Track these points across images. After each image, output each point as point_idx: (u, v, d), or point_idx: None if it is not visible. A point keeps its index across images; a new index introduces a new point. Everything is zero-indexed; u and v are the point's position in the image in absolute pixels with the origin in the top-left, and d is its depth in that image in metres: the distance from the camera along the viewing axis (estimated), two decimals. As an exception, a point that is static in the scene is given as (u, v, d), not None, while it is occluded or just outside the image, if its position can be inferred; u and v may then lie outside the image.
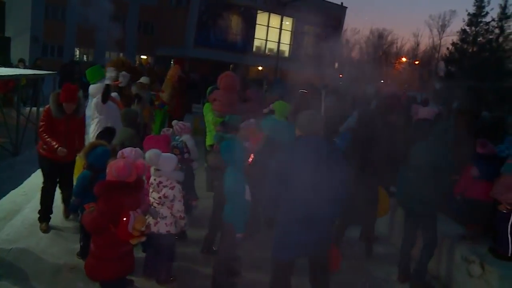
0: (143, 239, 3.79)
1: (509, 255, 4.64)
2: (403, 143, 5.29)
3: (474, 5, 38.23)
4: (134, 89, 7.65)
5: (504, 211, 4.71)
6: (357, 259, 5.66)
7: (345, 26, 42.43)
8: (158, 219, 4.33)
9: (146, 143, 5.03)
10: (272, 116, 6.00)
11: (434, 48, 49.93)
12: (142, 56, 35.50)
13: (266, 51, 34.29)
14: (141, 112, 6.88)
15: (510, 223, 4.63)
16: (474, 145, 5.46)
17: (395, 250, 5.65)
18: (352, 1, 57.99)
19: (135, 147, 4.61)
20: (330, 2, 32.18)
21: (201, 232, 5.45)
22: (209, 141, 6.72)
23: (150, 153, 4.36)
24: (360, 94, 10.03)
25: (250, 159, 5.14)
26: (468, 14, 38.50)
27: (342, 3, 37.93)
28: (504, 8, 37.65)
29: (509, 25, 37.77)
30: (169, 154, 4.59)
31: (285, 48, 34.78)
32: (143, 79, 8.31)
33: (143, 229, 3.72)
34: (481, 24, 38.33)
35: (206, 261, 5.01)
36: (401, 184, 5.13)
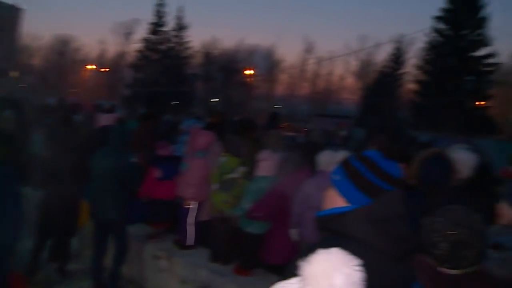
0: None
1: (187, 244, 5.13)
2: (88, 152, 5.21)
3: (155, 15, 40.86)
4: None
5: (186, 207, 5.18)
6: (46, 281, 5.26)
7: (23, 30, 38.96)
8: None
9: None
10: None
11: (121, 55, 50.96)
12: None
13: None
14: None
15: (188, 216, 5.13)
16: (155, 148, 5.84)
17: (85, 264, 5.43)
18: (31, 4, 53.84)
19: None
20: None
21: None
22: None
23: None
24: (43, 106, 9.47)
25: None
26: (150, 23, 40.95)
27: (16, 4, 34.62)
28: (179, 19, 41.66)
29: (184, 35, 42.01)
30: None
31: None
32: None
33: None
34: (162, 33, 41.32)
35: None
36: (88, 193, 5.04)
